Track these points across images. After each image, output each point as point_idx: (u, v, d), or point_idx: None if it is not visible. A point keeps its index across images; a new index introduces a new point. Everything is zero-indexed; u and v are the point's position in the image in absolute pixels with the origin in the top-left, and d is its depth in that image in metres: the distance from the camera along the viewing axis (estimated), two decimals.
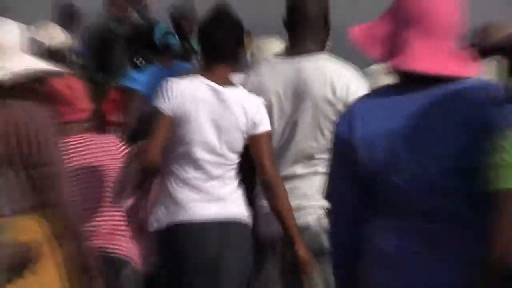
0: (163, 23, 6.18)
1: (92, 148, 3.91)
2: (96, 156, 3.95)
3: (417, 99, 2.60)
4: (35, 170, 3.03)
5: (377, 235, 2.67)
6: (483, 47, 4.25)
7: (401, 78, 2.60)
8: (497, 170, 2.38)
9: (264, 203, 4.00)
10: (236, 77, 4.19)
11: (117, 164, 3.98)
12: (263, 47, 5.28)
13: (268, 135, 3.95)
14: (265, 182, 3.88)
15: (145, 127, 4.44)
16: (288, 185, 4.00)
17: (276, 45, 5.46)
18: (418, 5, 2.66)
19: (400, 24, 2.64)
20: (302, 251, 3.90)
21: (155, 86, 4.63)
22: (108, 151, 3.99)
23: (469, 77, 2.54)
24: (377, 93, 2.84)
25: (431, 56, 2.58)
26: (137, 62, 6.12)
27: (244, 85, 4.16)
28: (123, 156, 4.02)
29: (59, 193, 3.08)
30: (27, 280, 3.03)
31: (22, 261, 3.05)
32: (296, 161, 4.07)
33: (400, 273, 2.59)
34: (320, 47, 4.12)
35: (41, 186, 3.06)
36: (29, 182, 3.07)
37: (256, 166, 3.95)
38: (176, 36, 5.96)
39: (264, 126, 3.87)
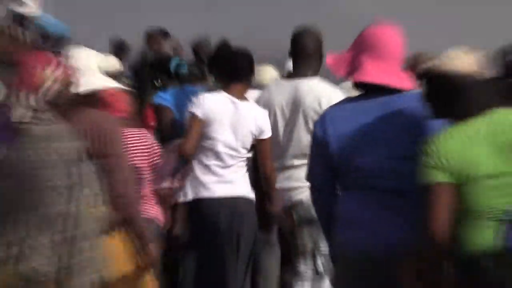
0: (176, 58, 6.59)
1: (129, 137, 4.32)
2: (133, 142, 4.46)
3: (372, 106, 3.26)
4: (105, 160, 3.37)
5: (343, 204, 3.36)
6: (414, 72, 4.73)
7: (362, 90, 3.33)
8: (424, 169, 2.96)
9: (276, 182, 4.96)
10: (249, 93, 5.01)
11: (145, 149, 4.58)
12: (260, 73, 5.82)
13: (269, 140, 4.74)
14: (265, 172, 4.72)
15: (171, 132, 5.36)
16: (288, 173, 4.74)
17: (270, 71, 6.42)
18: (371, 37, 3.32)
19: (359, 51, 3.32)
20: (275, 207, 4.74)
21: (178, 102, 5.66)
22: (141, 139, 4.58)
23: (409, 91, 3.22)
24: (343, 102, 3.51)
25: (376, 72, 3.26)
26: (156, 83, 6.93)
27: (259, 98, 4.98)
28: (150, 144, 4.64)
29: (122, 178, 3.41)
30: (109, 240, 3.39)
31: (109, 226, 3.43)
32: (294, 156, 4.74)
33: (359, 231, 3.25)
34: (314, 73, 4.83)
35: (109, 172, 3.36)
36: (101, 171, 3.38)
37: (258, 160, 4.77)
38: (186, 67, 6.37)
39: (268, 133, 4.69)
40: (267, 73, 6.21)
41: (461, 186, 2.96)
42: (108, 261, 3.38)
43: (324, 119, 3.43)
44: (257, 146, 4.71)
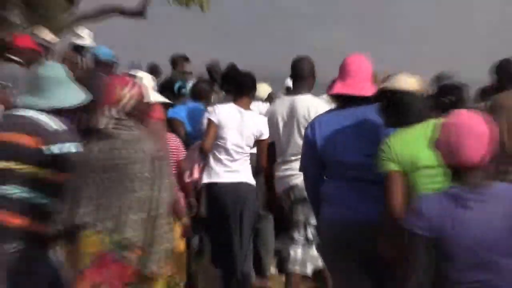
0: (179, 81, 6.54)
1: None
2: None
3: (346, 116, 3.74)
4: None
5: (327, 188, 3.79)
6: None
7: (338, 102, 3.83)
8: (381, 162, 3.36)
9: (278, 172, 5.12)
10: (253, 105, 5.46)
11: (173, 148, 4.70)
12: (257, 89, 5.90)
13: (266, 141, 5.13)
14: (261, 162, 5.12)
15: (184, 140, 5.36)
16: (287, 165, 5.01)
17: (264, 87, 6.85)
18: (344, 63, 3.83)
19: (338, 75, 3.84)
20: (272, 194, 5.14)
21: (189, 115, 5.82)
22: (170, 141, 4.71)
23: (373, 103, 3.54)
24: (326, 113, 3.95)
25: (342, 86, 3.79)
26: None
27: (268, 109, 5.45)
28: (177, 144, 4.75)
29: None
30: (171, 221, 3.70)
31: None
32: (292, 153, 5.00)
33: (337, 208, 3.70)
34: (308, 90, 5.16)
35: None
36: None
37: (257, 154, 5.15)
38: (187, 88, 6.43)
39: (265, 135, 5.10)
40: (261, 88, 6.46)
41: (408, 174, 3.35)
42: (173, 237, 3.66)
43: (313, 125, 3.90)
44: (257, 144, 5.14)
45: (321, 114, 4.02)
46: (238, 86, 5.23)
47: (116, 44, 7.97)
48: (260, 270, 5.75)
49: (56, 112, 3.70)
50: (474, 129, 2.73)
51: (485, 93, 5.83)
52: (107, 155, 3.50)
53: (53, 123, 3.63)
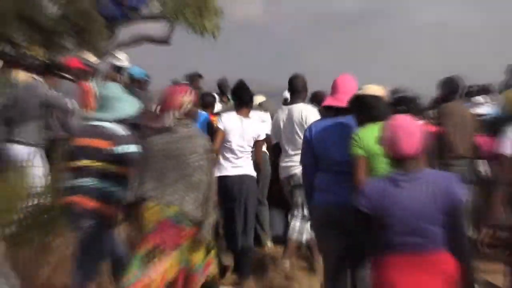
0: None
1: None
2: None
3: (335, 122, 3.98)
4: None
5: (319, 179, 4.00)
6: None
7: (328, 112, 4.03)
8: (351, 147, 3.70)
9: (282, 163, 5.46)
10: (252, 113, 5.62)
11: None
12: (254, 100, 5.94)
13: (262, 141, 5.38)
14: (257, 160, 5.38)
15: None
16: (288, 158, 5.39)
17: (260, 98, 7.06)
18: (334, 82, 4.08)
19: (330, 90, 4.09)
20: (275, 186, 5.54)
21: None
22: None
23: (351, 114, 3.82)
24: (321, 119, 4.16)
25: (330, 100, 4.05)
26: None
27: (275, 116, 5.69)
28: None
29: None
30: None
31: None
32: (292, 149, 5.35)
33: (328, 195, 3.92)
34: (302, 101, 5.50)
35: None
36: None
37: (255, 151, 5.35)
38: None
39: (262, 136, 5.34)
40: (257, 99, 6.69)
41: (368, 158, 3.66)
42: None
43: (310, 128, 4.10)
44: (255, 144, 5.36)
45: (316, 121, 4.23)
46: (238, 99, 5.45)
47: (147, 64, 8.37)
48: (259, 243, 6.07)
49: (121, 121, 4.09)
50: (407, 129, 2.97)
51: (435, 103, 6.10)
52: (170, 146, 3.69)
53: (119, 130, 4.02)
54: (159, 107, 3.81)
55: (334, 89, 4.07)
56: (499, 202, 3.75)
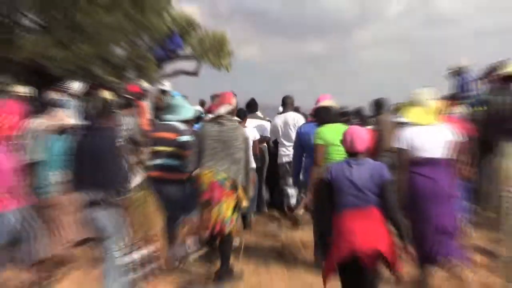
0: (198, 111, 6.46)
1: None
2: None
3: (314, 125, 4.64)
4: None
5: (304, 163, 4.84)
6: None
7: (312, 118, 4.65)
8: (314, 139, 4.45)
9: (280, 152, 6.14)
10: (250, 120, 6.21)
11: None
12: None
13: (257, 141, 5.87)
14: (256, 152, 5.79)
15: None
16: (285, 148, 6.16)
17: (258, 113, 7.04)
18: (318, 99, 4.87)
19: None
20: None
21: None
22: None
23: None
24: (308, 122, 5.14)
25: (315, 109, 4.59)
26: None
27: (274, 122, 6.33)
28: None
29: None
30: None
31: None
32: (287, 143, 6.18)
33: (307, 174, 4.54)
34: (292, 111, 6.35)
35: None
36: None
37: (253, 148, 5.60)
38: (203, 116, 6.43)
39: (257, 138, 5.88)
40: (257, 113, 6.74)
41: (326, 147, 4.28)
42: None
43: (300, 128, 4.89)
44: (253, 142, 5.71)
45: (304, 123, 5.09)
46: (238, 116, 5.71)
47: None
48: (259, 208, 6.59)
49: (183, 121, 4.64)
50: (359, 134, 3.50)
51: (372, 115, 6.40)
52: (221, 134, 4.16)
53: (182, 126, 4.56)
54: (216, 102, 4.37)
55: (317, 103, 5.01)
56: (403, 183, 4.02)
